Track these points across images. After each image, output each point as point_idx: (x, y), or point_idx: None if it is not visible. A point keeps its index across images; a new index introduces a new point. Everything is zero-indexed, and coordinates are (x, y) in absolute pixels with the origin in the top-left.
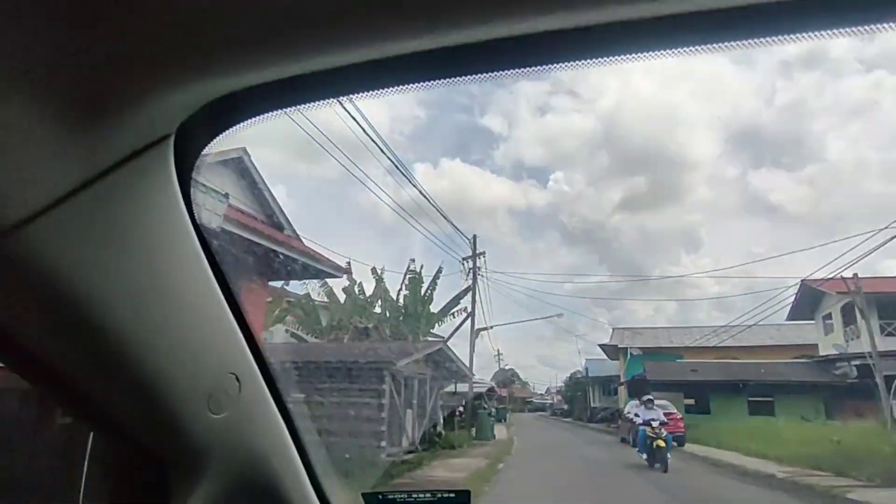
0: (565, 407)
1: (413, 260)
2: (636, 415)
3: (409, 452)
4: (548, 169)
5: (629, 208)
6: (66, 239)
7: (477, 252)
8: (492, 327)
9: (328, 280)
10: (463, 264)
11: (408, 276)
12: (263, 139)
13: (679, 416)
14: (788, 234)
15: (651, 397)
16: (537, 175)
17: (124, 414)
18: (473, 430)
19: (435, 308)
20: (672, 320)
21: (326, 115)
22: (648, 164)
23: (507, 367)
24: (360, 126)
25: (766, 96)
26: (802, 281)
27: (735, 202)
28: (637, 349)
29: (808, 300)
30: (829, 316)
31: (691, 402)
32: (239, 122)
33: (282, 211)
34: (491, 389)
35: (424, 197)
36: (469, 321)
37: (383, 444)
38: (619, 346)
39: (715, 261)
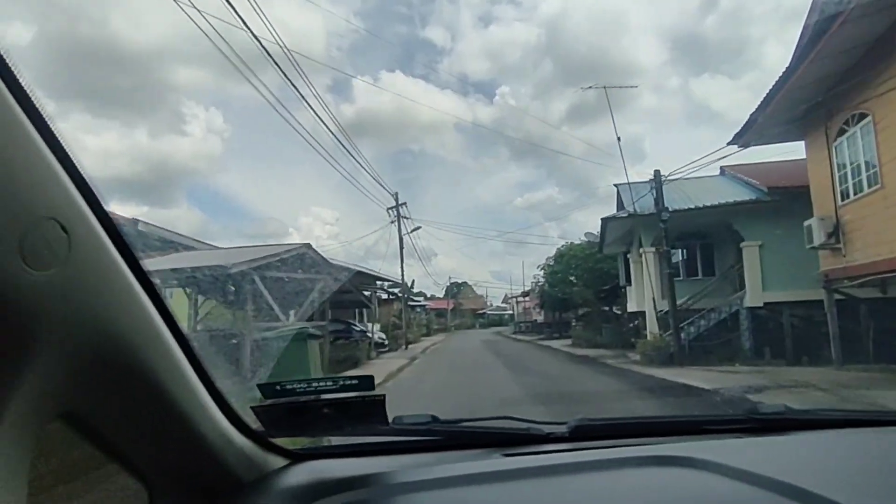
0: (539, 318)
1: None
2: None
3: None
4: (494, 83)
5: (575, 120)
6: None
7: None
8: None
9: None
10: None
11: None
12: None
13: None
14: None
15: None
16: (484, 89)
17: None
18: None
19: None
20: None
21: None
22: (594, 72)
23: (459, 282)
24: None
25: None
26: None
27: (677, 110)
28: None
29: None
30: None
31: None
32: None
33: None
34: (361, 278)
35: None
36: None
37: None
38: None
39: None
